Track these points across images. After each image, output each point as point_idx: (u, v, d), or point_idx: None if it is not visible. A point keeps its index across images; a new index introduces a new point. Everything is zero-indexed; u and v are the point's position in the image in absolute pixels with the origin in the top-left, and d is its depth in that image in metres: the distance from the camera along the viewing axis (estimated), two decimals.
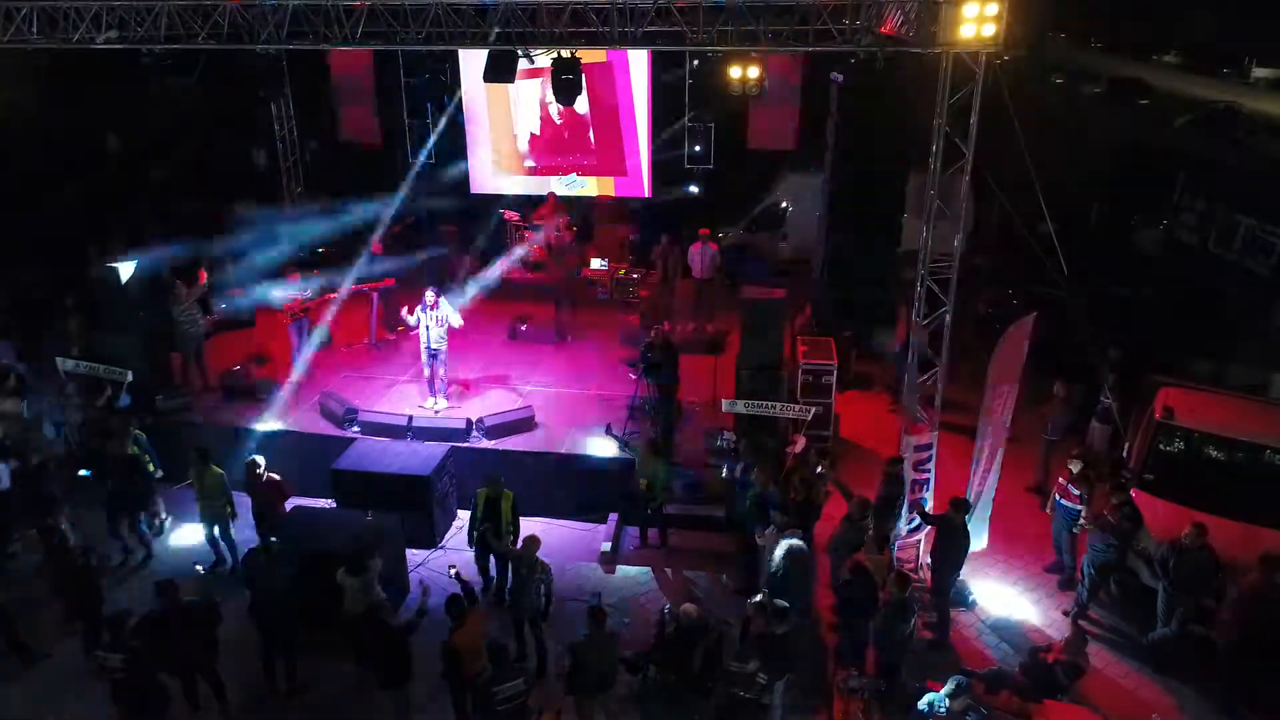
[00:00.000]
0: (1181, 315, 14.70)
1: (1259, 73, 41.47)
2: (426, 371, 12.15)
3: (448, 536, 10.67)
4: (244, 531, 10.01)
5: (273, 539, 8.47)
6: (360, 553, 8.06)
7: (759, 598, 7.84)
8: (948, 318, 9.01)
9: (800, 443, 10.22)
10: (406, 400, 12.47)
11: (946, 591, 8.98)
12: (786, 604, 7.45)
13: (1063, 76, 43.57)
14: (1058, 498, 9.82)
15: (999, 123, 8.94)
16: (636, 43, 8.87)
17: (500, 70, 8.95)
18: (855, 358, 13.88)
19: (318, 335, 13.03)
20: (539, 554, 8.41)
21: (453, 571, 8.12)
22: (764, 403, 10.40)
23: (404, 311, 12.20)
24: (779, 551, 8.34)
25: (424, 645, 7.75)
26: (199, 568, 8.22)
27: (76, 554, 8.86)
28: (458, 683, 7.56)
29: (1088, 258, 15.82)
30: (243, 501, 9.92)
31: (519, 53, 8.71)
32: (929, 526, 9.28)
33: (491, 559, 9.60)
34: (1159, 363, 12.17)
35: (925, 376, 9.33)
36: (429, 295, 11.74)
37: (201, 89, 18.05)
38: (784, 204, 18.22)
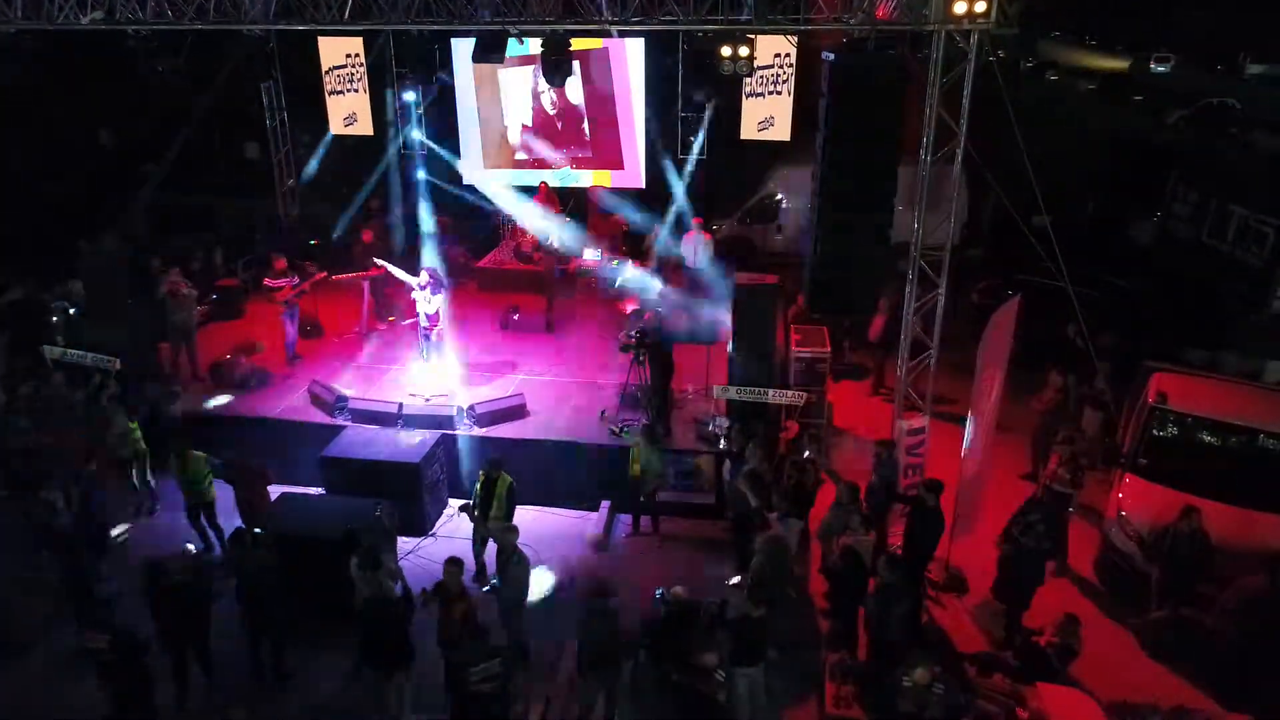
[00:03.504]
0: (1176, 305, 14.72)
1: (1254, 69, 41.66)
2: (423, 352, 12.07)
3: (439, 525, 10.61)
4: (231, 520, 9.92)
5: (257, 530, 8.40)
6: (373, 546, 7.98)
7: (735, 580, 7.79)
8: (940, 300, 8.95)
9: (793, 429, 10.18)
10: (397, 388, 12.37)
11: (919, 574, 8.89)
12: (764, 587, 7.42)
13: (1058, 73, 43.81)
14: (1048, 483, 9.80)
15: (994, 115, 8.92)
16: (627, 24, 8.81)
17: (490, 50, 8.89)
18: (849, 347, 13.87)
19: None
20: (524, 545, 8.36)
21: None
22: (756, 389, 10.33)
23: (395, 268, 12.08)
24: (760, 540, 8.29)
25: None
26: (190, 547, 8.14)
27: (66, 529, 8.79)
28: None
29: (1083, 249, 15.88)
30: (226, 491, 9.85)
31: (510, 32, 8.64)
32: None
33: (490, 546, 9.54)
34: (1153, 350, 12.18)
35: (918, 360, 9.27)
36: (424, 275, 11.65)
37: (193, 83, 18.06)
38: (778, 197, 18.19)
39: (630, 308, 11.79)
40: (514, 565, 8.08)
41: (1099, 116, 31.73)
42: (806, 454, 9.29)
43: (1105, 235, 18.87)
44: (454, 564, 7.69)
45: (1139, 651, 8.70)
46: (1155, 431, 9.83)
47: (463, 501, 9.37)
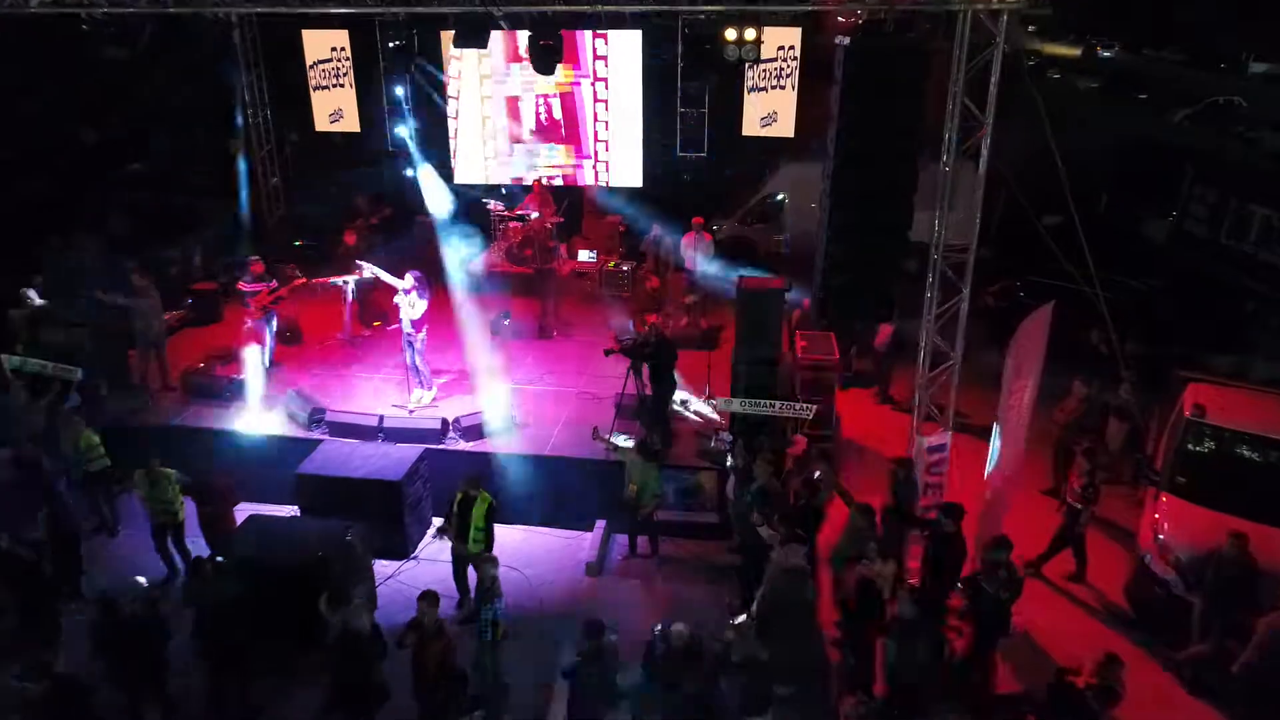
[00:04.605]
0: (1194, 308, 14.12)
1: (1256, 68, 41.23)
2: (407, 359, 11.38)
3: (421, 547, 9.90)
4: (198, 542, 9.25)
5: (219, 558, 7.69)
6: (343, 581, 7.28)
7: (742, 619, 7.14)
8: (964, 306, 8.26)
9: (801, 444, 9.49)
10: (380, 399, 11.68)
11: (938, 607, 8.17)
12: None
13: (1060, 72, 43.37)
14: (1068, 499, 9.13)
15: (1005, 112, 8.26)
16: (625, 7, 8.12)
17: (472, 35, 8.20)
18: (856, 355, 13.19)
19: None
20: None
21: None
22: (762, 401, 9.65)
23: (379, 270, 11.38)
24: (770, 568, 7.61)
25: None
26: (140, 580, 7.41)
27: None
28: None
29: (1094, 249, 15.32)
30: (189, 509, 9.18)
31: (495, 13, 7.94)
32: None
33: (471, 576, 8.83)
34: (1175, 357, 11.56)
35: (938, 371, 8.57)
36: (409, 278, 10.95)
37: (155, 74, 17.43)
38: (780, 196, 17.54)
39: (650, 322, 11.15)
40: (488, 602, 7.35)
41: (1102, 115, 31.25)
42: (817, 473, 8.55)
43: (1116, 235, 18.28)
44: (428, 600, 6.98)
45: (1179, 689, 8.02)
46: (1192, 447, 9.16)
47: (441, 522, 8.65)
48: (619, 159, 16.24)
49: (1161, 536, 8.56)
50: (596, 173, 16.42)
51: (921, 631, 7.03)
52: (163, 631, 7.21)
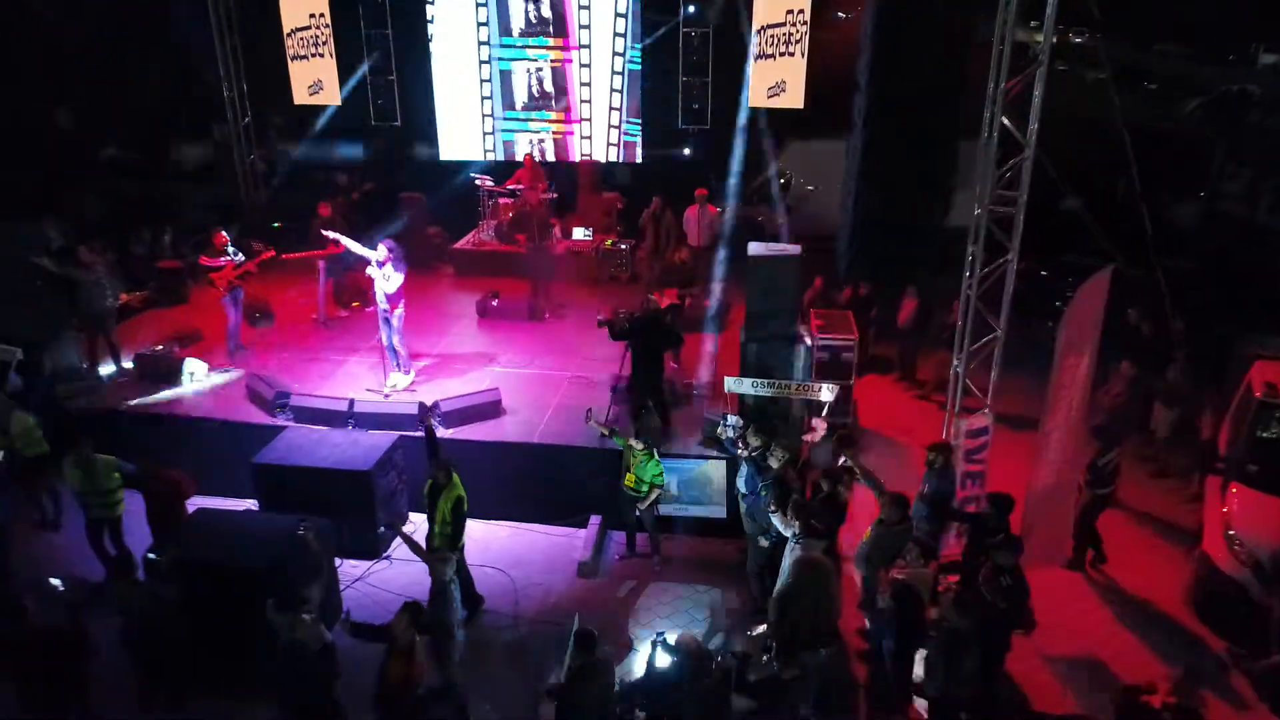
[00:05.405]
0: (1232, 287, 13.23)
1: (1266, 59, 40.35)
2: (383, 339, 10.34)
3: (394, 545, 8.88)
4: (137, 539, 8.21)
5: (150, 555, 6.66)
6: (295, 584, 6.25)
7: (760, 629, 6.13)
8: (1011, 268, 7.24)
9: (820, 429, 8.47)
10: (355, 382, 10.65)
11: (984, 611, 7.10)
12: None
13: (1065, 64, 42.71)
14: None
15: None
16: None
17: None
18: (875, 337, 12.19)
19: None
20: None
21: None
22: (776, 381, 8.64)
23: (350, 241, 10.31)
24: (786, 561, 6.60)
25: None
26: (56, 582, 6.38)
27: None
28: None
29: (1121, 232, 14.54)
30: (134, 502, 8.14)
31: None
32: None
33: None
34: (1221, 338, 10.65)
35: (980, 344, 7.56)
36: (381, 249, 9.91)
37: (144, 57, 16.55)
38: (786, 175, 16.58)
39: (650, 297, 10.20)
40: (438, 606, 6.30)
41: (1112, 104, 30.57)
42: (842, 459, 7.52)
43: (1140, 217, 17.49)
44: (410, 611, 5.91)
45: (1257, 702, 7.01)
46: (1263, 432, 8.17)
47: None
48: (601, 130, 15.41)
49: (1232, 531, 7.56)
50: (587, 142, 15.56)
51: (968, 643, 6.00)
52: (82, 644, 6.17)
